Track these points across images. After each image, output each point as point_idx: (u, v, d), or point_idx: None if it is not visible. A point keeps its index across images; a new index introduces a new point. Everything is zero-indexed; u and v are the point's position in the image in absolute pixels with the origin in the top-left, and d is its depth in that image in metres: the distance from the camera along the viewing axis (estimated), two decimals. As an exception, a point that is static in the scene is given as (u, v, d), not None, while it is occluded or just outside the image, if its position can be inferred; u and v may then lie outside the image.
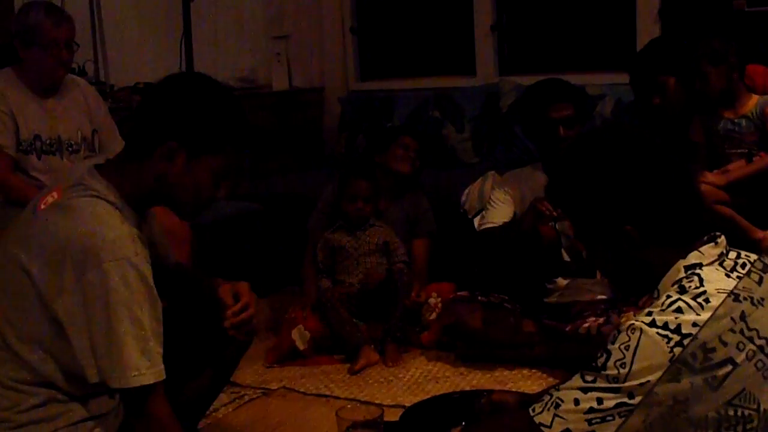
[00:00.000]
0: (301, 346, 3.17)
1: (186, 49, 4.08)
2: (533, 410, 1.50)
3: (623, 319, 2.75)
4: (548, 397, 1.50)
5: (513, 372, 2.95)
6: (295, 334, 3.19)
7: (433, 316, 3.28)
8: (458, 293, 3.24)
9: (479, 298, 3.14)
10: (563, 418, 1.46)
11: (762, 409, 1.42)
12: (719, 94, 3.18)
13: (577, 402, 1.45)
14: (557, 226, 3.06)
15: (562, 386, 1.50)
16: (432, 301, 3.30)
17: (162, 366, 1.69)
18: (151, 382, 1.67)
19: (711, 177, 3.10)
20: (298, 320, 3.24)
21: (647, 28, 4.25)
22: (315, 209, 3.59)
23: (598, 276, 3.09)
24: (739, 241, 1.71)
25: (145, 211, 1.89)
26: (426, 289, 3.35)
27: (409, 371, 3.02)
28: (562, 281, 3.15)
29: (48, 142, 3.08)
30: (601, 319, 2.87)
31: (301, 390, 2.88)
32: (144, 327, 1.67)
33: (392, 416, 2.17)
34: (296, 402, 2.81)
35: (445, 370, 3.02)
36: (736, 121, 3.19)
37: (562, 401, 1.47)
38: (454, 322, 3.09)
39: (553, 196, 1.70)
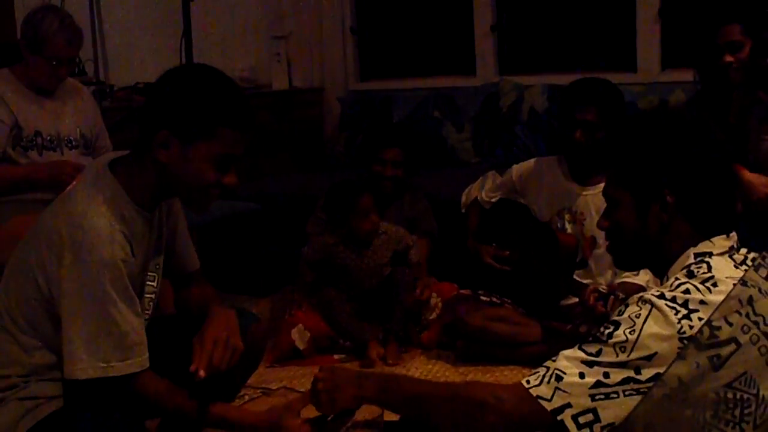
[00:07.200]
0: (301, 346, 3.17)
1: (186, 49, 4.08)
2: (528, 382, 1.46)
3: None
4: (544, 369, 1.46)
5: (513, 372, 2.95)
6: (295, 334, 3.19)
7: (434, 316, 3.28)
8: (461, 291, 3.24)
9: (481, 297, 3.14)
10: (565, 392, 1.42)
11: (761, 395, 1.42)
12: None
13: (582, 375, 1.42)
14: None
15: (559, 359, 1.46)
16: (432, 301, 3.30)
17: (127, 359, 1.74)
18: (97, 375, 1.72)
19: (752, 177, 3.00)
20: (298, 320, 3.24)
21: (647, 28, 4.26)
22: (313, 215, 3.58)
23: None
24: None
25: (158, 205, 1.91)
26: (427, 286, 3.34)
27: (409, 371, 3.01)
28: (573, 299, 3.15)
29: (48, 138, 3.08)
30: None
31: (302, 390, 2.84)
32: (115, 324, 1.73)
33: (392, 416, 2.17)
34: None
35: (445, 369, 3.02)
36: None
37: (565, 374, 1.43)
38: (453, 320, 3.09)
39: (614, 143, 1.68)
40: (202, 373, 1.82)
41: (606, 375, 1.41)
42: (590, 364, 1.42)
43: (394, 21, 5.09)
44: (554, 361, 1.46)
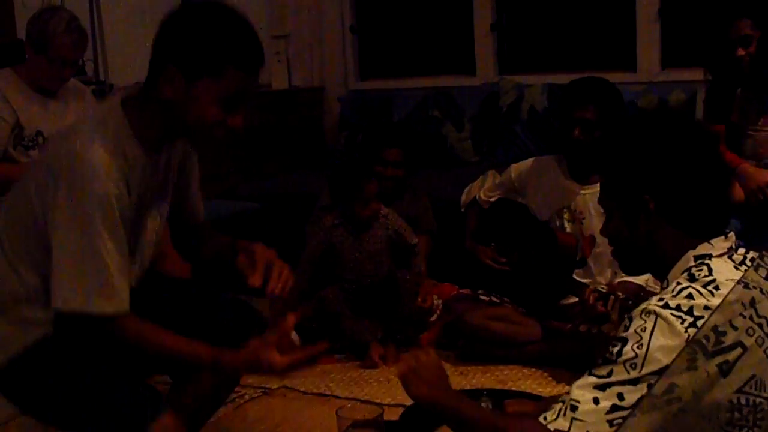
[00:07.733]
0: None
1: (186, 48, 4.08)
2: (545, 419, 1.44)
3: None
4: (560, 404, 1.44)
5: (513, 371, 2.95)
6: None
7: (434, 317, 3.28)
8: (460, 291, 3.24)
9: (481, 296, 3.14)
10: (582, 421, 1.40)
11: None
12: None
13: (596, 401, 1.40)
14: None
15: (572, 390, 1.45)
16: (434, 302, 3.30)
17: (109, 298, 1.73)
18: (77, 308, 1.71)
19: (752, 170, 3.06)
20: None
21: (647, 28, 4.26)
22: (312, 215, 3.58)
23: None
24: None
25: (164, 147, 1.88)
26: (429, 293, 3.33)
27: (409, 371, 3.01)
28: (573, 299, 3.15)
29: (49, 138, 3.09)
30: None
31: (301, 389, 2.88)
32: (101, 259, 1.72)
33: (392, 416, 2.17)
34: (296, 401, 2.81)
35: (446, 369, 3.01)
36: None
37: (579, 402, 1.41)
38: (454, 319, 3.10)
39: (604, 156, 1.70)
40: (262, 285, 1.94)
41: (620, 397, 1.39)
42: (603, 387, 1.41)
43: (394, 20, 5.10)
44: (568, 393, 1.45)
